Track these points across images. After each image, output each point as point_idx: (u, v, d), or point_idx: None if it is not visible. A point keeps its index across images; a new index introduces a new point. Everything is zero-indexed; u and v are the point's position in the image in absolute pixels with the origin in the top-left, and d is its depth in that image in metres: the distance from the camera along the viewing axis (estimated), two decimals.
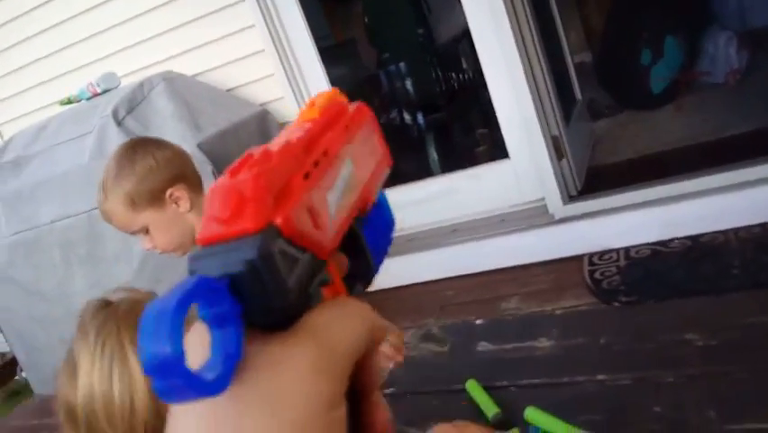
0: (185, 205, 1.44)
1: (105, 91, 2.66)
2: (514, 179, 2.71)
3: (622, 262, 2.42)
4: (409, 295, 2.81)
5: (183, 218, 1.45)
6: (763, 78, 3.15)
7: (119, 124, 2.29)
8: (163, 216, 1.43)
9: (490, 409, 0.88)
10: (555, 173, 2.59)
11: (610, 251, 2.51)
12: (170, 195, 1.43)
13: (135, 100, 2.40)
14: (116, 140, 2.27)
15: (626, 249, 2.48)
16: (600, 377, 0.90)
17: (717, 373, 0.82)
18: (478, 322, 1.14)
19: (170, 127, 2.50)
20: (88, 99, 2.68)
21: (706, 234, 2.39)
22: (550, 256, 2.59)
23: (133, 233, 1.42)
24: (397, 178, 2.99)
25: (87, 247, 2.35)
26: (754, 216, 2.33)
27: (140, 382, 0.71)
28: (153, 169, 1.43)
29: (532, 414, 0.83)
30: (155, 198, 1.42)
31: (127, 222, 1.40)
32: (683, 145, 2.84)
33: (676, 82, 3.36)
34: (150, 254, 1.65)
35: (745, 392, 0.78)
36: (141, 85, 2.46)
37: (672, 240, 2.43)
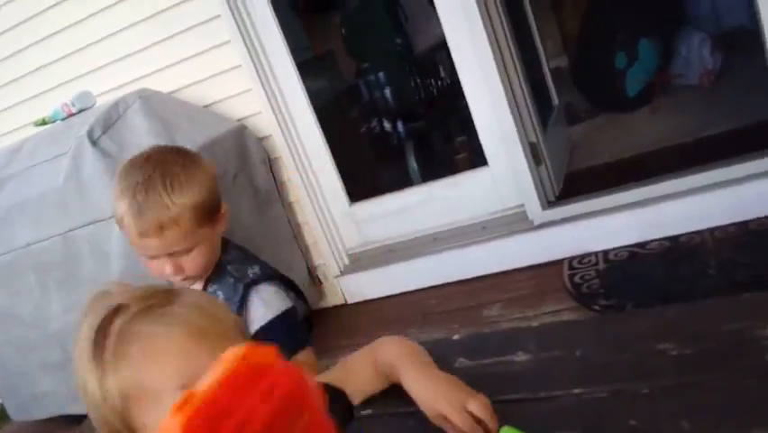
0: (225, 225, 1.34)
1: (80, 111, 2.64)
2: (493, 186, 2.72)
3: (601, 266, 2.44)
4: (391, 305, 2.81)
5: (218, 240, 1.34)
6: (737, 79, 3.20)
7: (94, 144, 2.27)
8: (212, 235, 1.31)
9: None
10: (534, 179, 2.60)
11: (589, 254, 2.52)
12: (224, 212, 1.33)
13: (111, 119, 2.39)
14: (92, 160, 2.25)
15: (605, 252, 2.50)
16: (577, 391, 0.90)
17: (691, 384, 0.83)
18: (455, 338, 1.14)
19: (146, 145, 2.44)
20: (63, 120, 2.65)
21: (683, 234, 2.41)
22: (530, 262, 2.60)
23: (173, 253, 1.25)
24: (377, 189, 2.99)
25: (63, 270, 2.32)
26: (730, 215, 2.36)
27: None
28: (214, 180, 1.31)
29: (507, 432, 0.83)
30: (216, 212, 1.31)
31: (185, 235, 1.24)
32: (659, 147, 2.87)
33: (651, 84, 3.39)
34: (129, 277, 1.60)
35: (718, 403, 0.78)
36: (116, 104, 2.44)
37: (649, 242, 2.46)
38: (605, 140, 3.21)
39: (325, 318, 2.89)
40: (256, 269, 1.38)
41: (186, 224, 1.23)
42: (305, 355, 1.25)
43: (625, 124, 3.30)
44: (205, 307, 0.75)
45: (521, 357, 1.01)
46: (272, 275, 1.40)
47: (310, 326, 1.58)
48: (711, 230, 2.36)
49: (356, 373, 0.97)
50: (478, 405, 0.84)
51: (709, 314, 0.95)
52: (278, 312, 1.33)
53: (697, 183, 2.41)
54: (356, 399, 0.93)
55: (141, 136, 2.42)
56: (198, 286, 1.36)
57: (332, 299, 2.96)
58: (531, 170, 2.60)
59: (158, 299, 0.73)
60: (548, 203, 2.65)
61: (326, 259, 2.93)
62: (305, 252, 2.92)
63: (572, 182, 2.81)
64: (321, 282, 2.95)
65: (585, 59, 3.55)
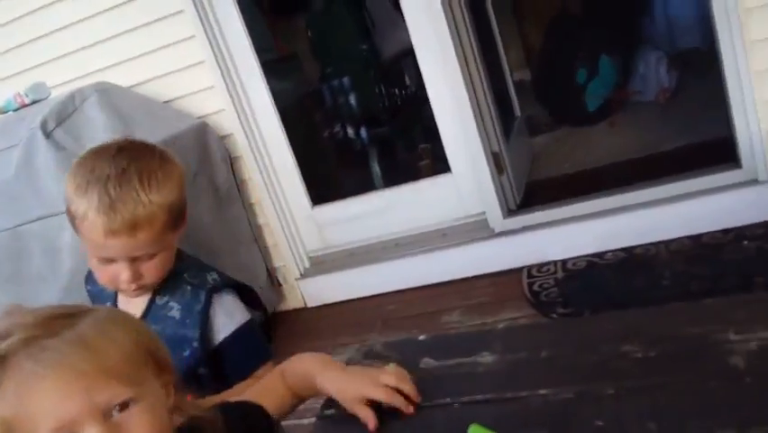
0: (184, 231, 1.25)
1: (33, 102, 2.55)
2: (455, 194, 2.73)
3: (560, 275, 2.47)
4: (351, 310, 2.79)
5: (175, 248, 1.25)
6: (691, 96, 3.30)
7: (47, 136, 2.19)
8: (174, 241, 1.22)
9: None
10: (495, 188, 2.63)
11: (548, 263, 2.56)
12: (186, 217, 1.23)
13: (66, 111, 2.31)
14: (44, 153, 2.17)
15: (564, 261, 2.54)
16: (543, 391, 0.89)
17: (657, 385, 0.83)
18: (421, 338, 1.13)
19: (103, 139, 2.35)
20: (16, 110, 2.56)
21: (639, 246, 2.46)
22: (490, 269, 2.62)
23: (136, 258, 1.15)
24: (339, 193, 2.97)
25: (11, 265, 2.23)
26: (684, 228, 2.42)
27: None
28: (184, 181, 1.21)
29: (475, 431, 0.82)
30: (184, 216, 1.22)
31: (155, 238, 1.14)
32: (617, 161, 2.94)
33: (610, 100, 3.47)
34: (81, 272, 1.52)
35: (683, 404, 0.79)
36: (72, 96, 2.37)
37: (606, 252, 2.50)
38: (565, 152, 3.27)
39: (285, 321, 2.85)
40: (215, 275, 1.33)
41: (158, 225, 1.13)
42: (266, 371, 1.21)
43: (584, 138, 3.36)
44: (90, 342, 0.71)
45: (487, 358, 1.01)
46: (231, 282, 1.35)
47: (269, 336, 1.53)
48: (666, 242, 2.43)
49: (269, 390, 0.96)
50: (391, 376, 0.91)
51: (673, 318, 0.97)
52: (240, 323, 1.28)
53: (652, 197, 2.47)
54: (272, 413, 0.92)
55: (98, 130, 2.35)
56: (145, 297, 1.28)
57: (292, 302, 2.92)
58: (493, 179, 2.62)
59: (44, 330, 0.70)
60: (509, 211, 2.68)
61: (287, 261, 2.89)
62: (265, 253, 2.87)
63: (533, 192, 2.85)
64: (281, 285, 2.91)
65: (547, 73, 3.61)
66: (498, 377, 0.96)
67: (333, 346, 2.40)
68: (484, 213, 2.68)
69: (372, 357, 1.13)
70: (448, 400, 0.94)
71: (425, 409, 0.95)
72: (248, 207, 2.85)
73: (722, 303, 0.98)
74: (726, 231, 2.36)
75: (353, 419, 0.94)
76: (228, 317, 1.27)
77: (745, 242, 2.28)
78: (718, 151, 2.48)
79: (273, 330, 2.11)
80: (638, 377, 0.86)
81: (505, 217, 2.64)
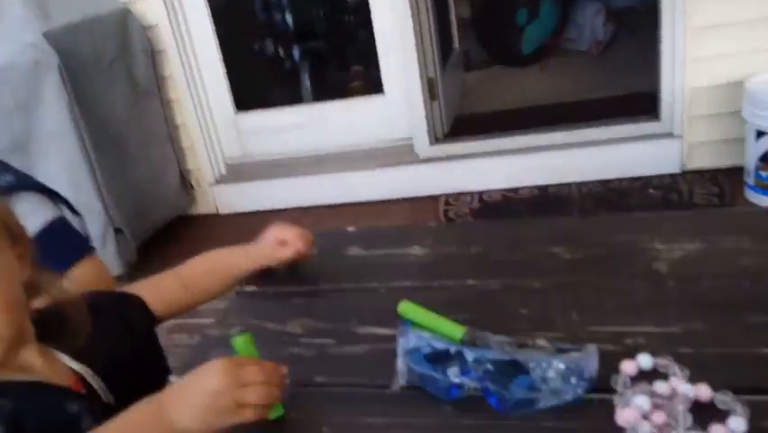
0: None
1: None
2: (385, 116, 2.69)
3: (475, 205, 2.52)
4: (264, 221, 2.63)
5: None
6: (623, 52, 3.37)
7: None
8: None
9: (454, 329, 0.76)
10: (426, 114, 2.61)
11: (466, 193, 2.59)
12: None
13: None
14: None
15: (480, 193, 2.58)
16: (471, 282, 0.90)
17: (582, 282, 0.85)
18: (350, 229, 1.10)
19: (14, 12, 2.19)
20: None
21: (552, 185, 2.54)
22: (410, 194, 2.62)
23: None
24: (266, 102, 2.86)
25: None
26: (597, 173, 2.51)
27: None
28: None
29: (405, 307, 0.81)
30: None
31: None
32: (543, 103, 2.98)
33: (546, 45, 3.49)
34: None
35: (606, 300, 0.81)
36: None
37: (522, 188, 2.57)
38: (496, 89, 3.29)
39: (194, 226, 2.76)
40: (10, 178, 1.20)
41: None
42: (85, 266, 1.11)
43: (516, 78, 3.39)
44: None
45: (416, 250, 1.00)
46: (32, 184, 1.22)
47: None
48: (578, 184, 2.51)
49: (160, 287, 0.93)
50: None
51: (601, 226, 0.99)
52: (44, 224, 1.16)
53: (571, 139, 2.53)
54: (159, 307, 0.88)
55: (13, 4, 2.16)
56: None
57: (203, 208, 2.82)
58: (425, 105, 2.59)
59: None
60: (435, 139, 2.67)
61: (202, 165, 2.78)
62: (179, 154, 2.74)
63: (460, 124, 2.85)
64: (193, 188, 2.80)
65: (488, 12, 3.58)
66: (427, 268, 0.96)
67: None
68: (411, 138, 2.66)
69: None
70: (375, 284, 0.93)
71: (352, 291, 0.93)
72: (166, 105, 2.69)
73: (649, 216, 1.01)
74: (635, 179, 2.47)
75: (267, 294, 0.92)
76: (25, 219, 1.15)
77: (651, 190, 2.38)
78: (640, 103, 2.56)
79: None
80: (565, 275, 0.88)
81: (431, 144, 2.63)
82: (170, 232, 2.67)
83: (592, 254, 0.91)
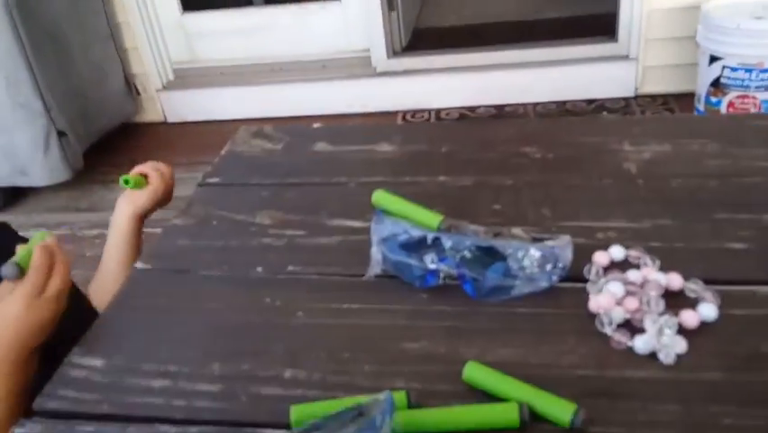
0: None
1: None
2: (342, 25, 2.60)
3: (432, 121, 2.49)
4: (214, 131, 2.60)
5: None
6: None
7: None
8: None
9: (431, 218, 0.75)
10: (384, 25, 2.53)
11: (423, 110, 2.56)
12: None
13: None
14: None
15: (438, 110, 2.56)
16: (442, 179, 0.89)
17: (553, 181, 0.85)
18: (316, 126, 1.07)
19: None
20: None
21: (509, 105, 2.54)
22: (366, 109, 2.58)
23: None
24: (215, 3, 2.72)
25: None
26: (553, 93, 2.51)
27: None
28: None
29: (379, 196, 0.80)
30: None
31: None
32: (503, 20, 2.94)
33: None
34: None
35: (577, 197, 0.82)
36: None
37: (479, 107, 2.55)
38: (455, 3, 3.22)
39: (141, 134, 2.65)
40: None
41: None
42: None
43: None
44: None
45: (385, 147, 0.98)
46: None
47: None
48: (534, 104, 2.52)
49: None
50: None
51: (571, 128, 0.98)
52: None
53: (528, 59, 2.51)
54: None
55: None
56: None
57: (150, 115, 2.71)
58: (383, 15, 2.51)
59: None
60: (393, 53, 2.61)
61: (147, 69, 2.64)
62: (123, 57, 2.60)
63: (418, 38, 2.79)
64: (139, 94, 2.67)
65: None
66: (397, 164, 0.94)
67: (188, 165, 2.27)
68: (368, 50, 2.59)
69: (261, 137, 1.06)
70: (343, 179, 0.91)
71: (320, 186, 0.91)
72: (107, 1, 2.52)
73: (619, 119, 1.01)
74: (590, 101, 2.48)
75: (232, 186, 0.89)
76: None
77: (605, 113, 2.41)
78: (599, 24, 2.55)
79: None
80: (536, 173, 0.88)
81: (389, 58, 2.57)
82: (117, 139, 2.56)
83: (563, 154, 0.91)
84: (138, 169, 0.95)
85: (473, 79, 2.55)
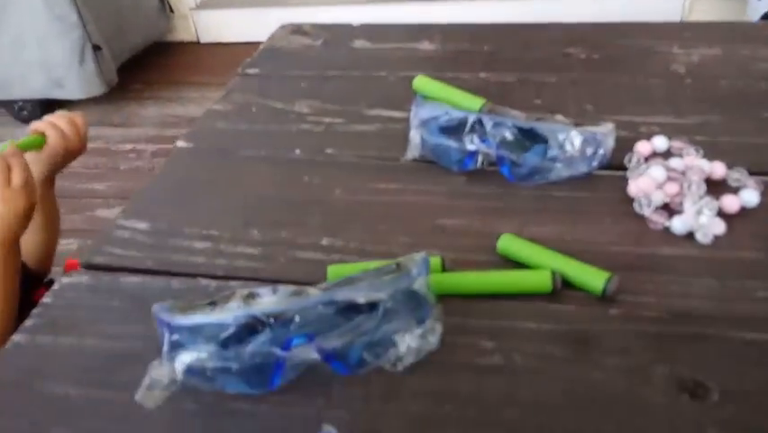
0: None
1: None
2: None
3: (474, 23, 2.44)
4: (247, 53, 2.58)
5: None
6: None
7: None
8: None
9: (473, 101, 0.75)
10: None
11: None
12: None
13: None
14: None
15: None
16: (483, 75, 0.87)
17: (598, 80, 0.84)
18: (356, 24, 1.06)
19: None
20: None
21: (553, 24, 2.46)
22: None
23: None
24: None
25: None
26: (597, 14, 2.40)
27: None
28: None
29: (421, 81, 0.79)
30: None
31: None
32: None
33: None
34: None
35: (622, 94, 0.80)
36: None
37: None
38: None
39: (174, 53, 2.64)
40: None
41: None
42: None
43: None
44: None
45: (426, 46, 0.97)
46: None
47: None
48: (576, 25, 2.44)
49: None
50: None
51: (619, 32, 0.96)
52: None
53: None
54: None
55: None
56: None
57: (182, 34, 2.69)
58: None
59: None
60: None
61: None
62: None
63: None
64: (172, 11, 2.66)
65: None
66: (438, 60, 0.93)
67: (218, 86, 2.28)
68: None
69: (300, 34, 1.06)
70: (383, 73, 0.90)
71: (360, 78, 0.91)
72: None
73: (669, 24, 0.98)
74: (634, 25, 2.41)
75: (271, 77, 0.88)
76: None
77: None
78: None
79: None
80: (580, 72, 0.86)
81: None
82: (150, 57, 2.56)
83: (609, 55, 0.89)
84: (34, 126, 0.83)
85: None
